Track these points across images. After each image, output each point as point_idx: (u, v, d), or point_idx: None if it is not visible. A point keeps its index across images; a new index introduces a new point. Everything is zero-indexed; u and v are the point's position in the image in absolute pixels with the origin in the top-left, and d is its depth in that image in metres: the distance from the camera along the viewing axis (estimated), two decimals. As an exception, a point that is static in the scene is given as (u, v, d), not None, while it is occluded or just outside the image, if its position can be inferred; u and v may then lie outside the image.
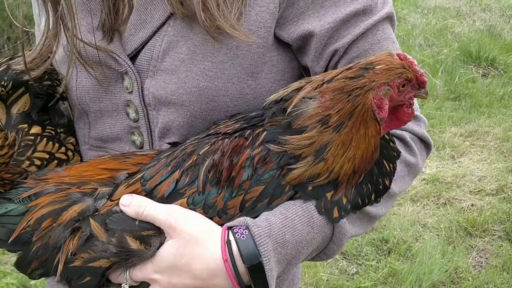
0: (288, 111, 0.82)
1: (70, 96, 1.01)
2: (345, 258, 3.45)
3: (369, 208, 0.92)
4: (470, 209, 3.92)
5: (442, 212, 3.90)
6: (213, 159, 0.82)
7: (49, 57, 0.96)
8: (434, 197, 4.11)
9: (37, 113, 0.98)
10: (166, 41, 0.92)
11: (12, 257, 0.86)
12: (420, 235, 3.64)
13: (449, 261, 3.33)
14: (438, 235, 3.63)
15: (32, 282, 3.01)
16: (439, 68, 6.26)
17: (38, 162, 0.92)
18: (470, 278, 3.21)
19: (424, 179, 4.35)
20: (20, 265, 0.87)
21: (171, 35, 0.91)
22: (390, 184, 0.88)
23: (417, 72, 0.81)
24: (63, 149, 0.97)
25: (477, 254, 3.46)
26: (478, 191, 4.17)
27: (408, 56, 0.82)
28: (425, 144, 1.04)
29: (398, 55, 0.82)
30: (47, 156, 0.94)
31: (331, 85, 0.81)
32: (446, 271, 3.25)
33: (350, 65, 0.83)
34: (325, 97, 0.80)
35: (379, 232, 3.65)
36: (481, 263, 3.40)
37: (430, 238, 3.57)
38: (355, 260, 3.42)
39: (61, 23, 0.92)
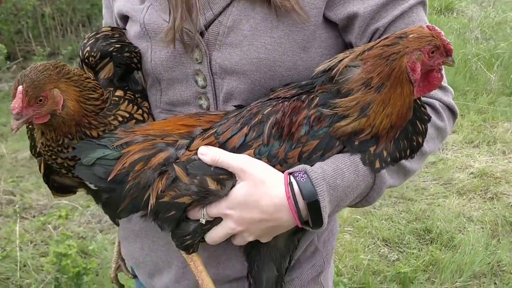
0: (335, 79, 0.95)
1: (144, 66, 1.15)
2: (386, 245, 3.49)
3: (405, 162, 1.04)
4: (517, 204, 3.88)
5: (488, 206, 3.87)
6: (276, 118, 0.96)
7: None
8: (481, 191, 4.08)
9: (117, 80, 1.13)
10: (231, 20, 1.05)
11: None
12: (464, 227, 3.63)
13: (492, 253, 3.32)
14: (483, 228, 3.61)
15: (90, 247, 3.24)
16: (495, 63, 6.13)
17: (120, 119, 1.07)
18: (513, 272, 3.20)
19: (472, 173, 4.32)
20: (110, 205, 1.02)
21: (235, 15, 1.05)
22: (422, 142, 0.98)
23: (444, 41, 0.92)
24: (140, 111, 1.12)
25: (521, 249, 3.43)
26: (528, 187, 4.10)
27: (436, 28, 0.93)
28: (452, 112, 1.14)
29: (427, 26, 0.94)
30: (127, 115, 1.09)
31: (372, 52, 0.92)
32: (489, 263, 3.24)
33: (387, 35, 0.95)
34: (367, 63, 0.92)
35: (422, 222, 3.67)
36: (526, 258, 3.37)
37: (474, 231, 3.56)
38: (397, 248, 3.46)
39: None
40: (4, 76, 6.30)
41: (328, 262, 1.24)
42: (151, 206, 0.97)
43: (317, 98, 0.95)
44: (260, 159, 0.96)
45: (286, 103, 0.97)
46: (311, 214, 0.94)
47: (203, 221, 0.98)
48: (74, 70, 1.03)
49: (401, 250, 3.43)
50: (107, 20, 1.32)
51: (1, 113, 5.42)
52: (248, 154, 0.96)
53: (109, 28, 1.15)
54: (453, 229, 3.59)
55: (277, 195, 0.93)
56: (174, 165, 0.97)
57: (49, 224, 3.49)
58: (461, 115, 5.18)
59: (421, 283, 3.12)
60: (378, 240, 3.52)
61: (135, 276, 1.47)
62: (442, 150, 4.67)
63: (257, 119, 0.97)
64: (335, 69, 0.95)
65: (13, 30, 6.81)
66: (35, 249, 3.30)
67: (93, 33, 1.12)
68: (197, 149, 0.98)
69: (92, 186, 1.03)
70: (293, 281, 1.18)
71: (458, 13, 8.20)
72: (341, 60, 0.96)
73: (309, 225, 0.96)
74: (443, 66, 0.97)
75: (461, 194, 4.06)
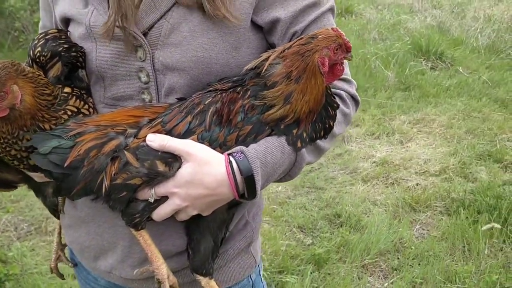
0: (261, 74, 1.13)
1: (89, 65, 1.25)
2: (302, 231, 3.76)
3: (319, 142, 1.24)
4: (415, 188, 4.30)
5: (390, 191, 4.26)
6: (216, 107, 1.11)
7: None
8: (383, 177, 4.47)
9: (64, 78, 1.23)
10: (171, 23, 1.19)
11: None
12: (370, 210, 3.98)
13: (394, 232, 3.68)
14: (386, 210, 3.98)
15: (10, 253, 3.20)
16: (391, 61, 6.65)
17: (69, 113, 1.18)
18: (413, 247, 3.56)
19: (374, 162, 4.71)
20: (65, 189, 1.12)
21: (175, 18, 1.19)
22: (333, 125, 1.19)
23: (345, 40, 1.13)
24: (86, 106, 1.23)
25: (420, 226, 3.83)
26: (423, 172, 4.55)
27: (339, 30, 1.14)
28: (355, 101, 1.37)
29: (332, 29, 1.14)
30: (76, 110, 1.20)
31: (290, 51, 1.11)
32: (392, 241, 3.59)
33: (302, 36, 1.15)
34: (287, 60, 1.11)
35: (332, 208, 3.98)
36: (423, 234, 3.76)
37: (378, 213, 3.92)
38: (311, 233, 3.73)
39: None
40: None
41: (256, 234, 1.42)
42: (105, 188, 1.09)
43: (250, 90, 1.12)
44: (202, 143, 1.10)
45: (224, 94, 1.13)
46: (247, 187, 1.11)
47: (152, 200, 1.11)
48: (28, 68, 1.13)
49: (315, 234, 3.71)
50: (46, 23, 1.41)
51: None
52: (192, 139, 1.10)
53: (56, 30, 1.25)
54: (360, 212, 3.92)
55: (219, 172, 1.09)
56: (125, 151, 1.10)
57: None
58: (363, 110, 5.60)
59: (334, 263, 3.40)
60: (294, 227, 3.78)
61: (75, 265, 1.57)
62: (347, 142, 5.04)
63: (199, 108, 1.12)
64: (261, 67, 1.12)
65: None
66: None
67: (42, 35, 1.22)
68: (145, 137, 1.10)
69: (47, 175, 1.14)
70: (228, 251, 1.34)
71: (357, 15, 8.76)
72: (265, 59, 1.13)
73: (244, 197, 1.13)
74: (346, 62, 1.17)
75: (365, 181, 4.43)
